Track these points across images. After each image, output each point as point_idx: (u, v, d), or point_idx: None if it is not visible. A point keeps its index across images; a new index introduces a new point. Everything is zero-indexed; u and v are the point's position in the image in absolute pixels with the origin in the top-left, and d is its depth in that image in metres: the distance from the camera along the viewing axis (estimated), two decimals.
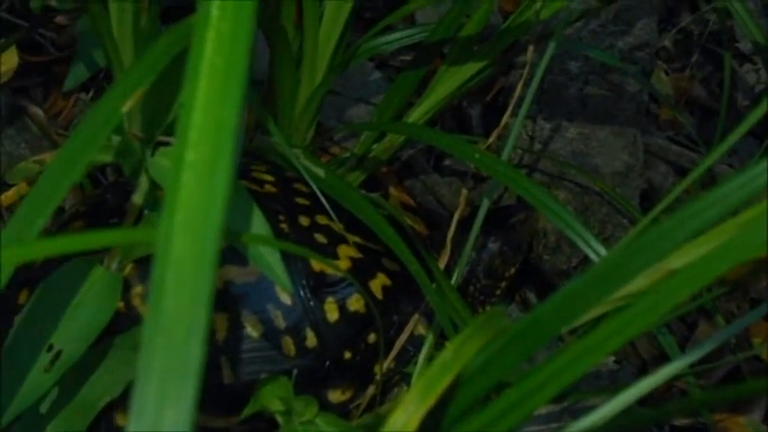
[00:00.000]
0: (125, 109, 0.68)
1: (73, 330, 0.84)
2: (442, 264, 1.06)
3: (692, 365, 1.07)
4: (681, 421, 1.17)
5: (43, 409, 0.86)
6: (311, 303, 1.01)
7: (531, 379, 0.58)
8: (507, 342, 0.61)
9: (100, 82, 1.42)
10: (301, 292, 1.01)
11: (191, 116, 0.47)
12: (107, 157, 0.90)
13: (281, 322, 1.00)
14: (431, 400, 0.59)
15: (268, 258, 0.85)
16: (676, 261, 0.65)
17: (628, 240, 0.61)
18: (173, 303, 0.43)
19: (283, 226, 1.03)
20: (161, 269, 0.44)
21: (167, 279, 0.44)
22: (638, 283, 0.66)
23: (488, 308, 1.17)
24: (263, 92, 1.18)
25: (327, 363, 1.02)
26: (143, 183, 0.89)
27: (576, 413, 0.99)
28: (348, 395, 1.04)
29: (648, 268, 0.65)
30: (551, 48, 1.02)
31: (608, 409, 0.61)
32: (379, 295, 1.05)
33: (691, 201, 0.61)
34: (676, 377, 0.99)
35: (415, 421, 0.58)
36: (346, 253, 1.05)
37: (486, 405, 0.60)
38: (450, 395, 0.62)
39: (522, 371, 0.60)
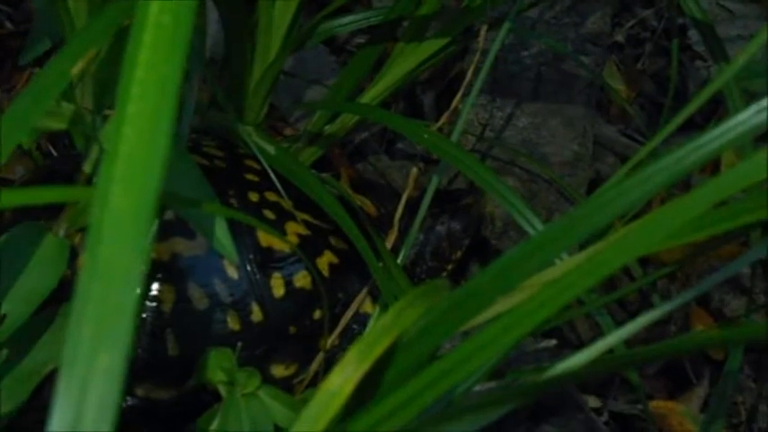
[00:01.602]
0: (75, 71, 0.69)
1: (19, 295, 0.84)
2: (389, 244, 1.07)
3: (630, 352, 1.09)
4: (620, 407, 1.19)
5: None
6: (257, 278, 1.02)
7: (467, 345, 0.59)
8: (445, 309, 0.62)
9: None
10: (248, 267, 1.02)
11: (133, 71, 0.48)
12: (59, 124, 0.90)
13: (226, 296, 1.01)
14: (368, 363, 0.60)
15: (216, 230, 0.86)
16: (611, 239, 0.66)
17: (565, 215, 0.62)
18: (109, 251, 0.44)
19: (232, 201, 1.04)
20: (99, 218, 0.45)
21: (104, 228, 0.44)
22: (574, 262, 0.68)
23: None
24: (217, 69, 1.18)
25: (272, 338, 1.03)
26: (93, 152, 0.90)
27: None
28: (292, 370, 1.04)
29: (583, 245, 0.67)
30: (503, 31, 1.04)
31: (544, 378, 0.63)
32: (325, 272, 1.06)
33: (623, 179, 0.62)
34: (617, 362, 1.01)
35: (352, 383, 0.59)
36: (294, 230, 1.06)
37: (423, 370, 0.61)
38: (388, 360, 0.63)
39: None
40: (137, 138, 0.47)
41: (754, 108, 0.61)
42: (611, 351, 0.65)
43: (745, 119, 0.61)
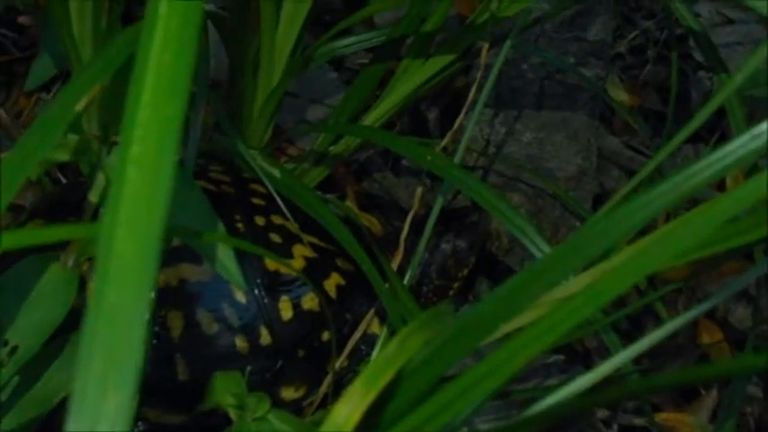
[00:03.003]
0: (81, 106, 0.69)
1: (29, 326, 0.85)
2: (395, 264, 1.08)
3: (640, 365, 1.10)
4: (629, 420, 1.19)
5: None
6: (265, 302, 1.03)
7: (474, 371, 0.60)
8: (450, 337, 0.62)
9: (62, 82, 1.43)
10: (256, 291, 1.02)
11: (137, 112, 0.48)
12: (65, 156, 0.91)
13: (235, 320, 1.01)
14: (374, 393, 0.60)
15: (222, 257, 0.87)
16: (619, 260, 0.66)
17: (571, 238, 0.63)
18: (115, 294, 0.45)
19: (239, 225, 1.05)
20: (104, 262, 0.45)
21: (110, 270, 0.45)
22: (582, 282, 0.68)
23: None
24: (221, 93, 1.19)
25: (281, 361, 1.03)
26: (99, 181, 0.90)
27: (522, 406, 1.00)
28: (301, 392, 1.05)
29: (591, 269, 0.67)
30: (506, 49, 1.04)
31: (551, 400, 0.63)
32: (332, 294, 1.07)
33: (632, 198, 0.62)
34: (625, 376, 1.01)
35: (358, 413, 0.60)
36: (301, 252, 1.07)
37: (430, 397, 0.62)
38: (393, 389, 0.64)
39: (466, 365, 0.61)
40: (140, 180, 0.47)
41: (764, 126, 0.61)
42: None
43: (756, 135, 0.61)
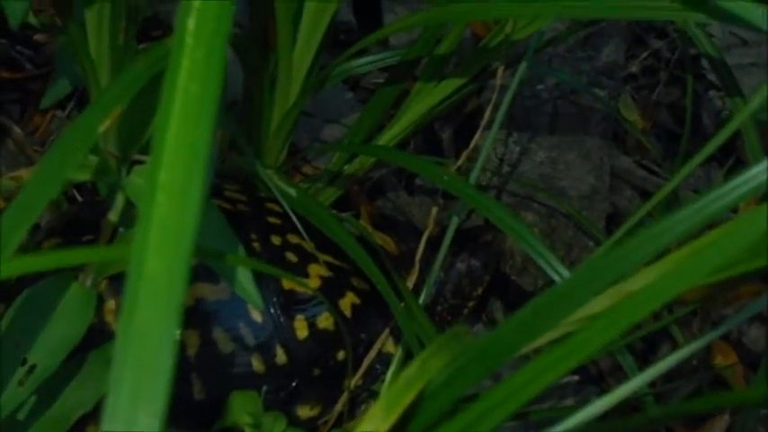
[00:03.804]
0: (102, 128, 0.70)
1: (47, 345, 0.85)
2: (410, 283, 1.08)
3: (654, 387, 1.10)
4: None
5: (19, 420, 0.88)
6: (281, 321, 1.03)
7: (494, 394, 0.60)
8: (470, 358, 0.63)
9: (76, 100, 1.44)
10: (272, 310, 1.03)
11: (164, 139, 0.49)
12: (84, 176, 0.91)
13: (251, 339, 1.02)
14: (395, 415, 0.61)
15: (240, 277, 0.87)
16: (636, 283, 0.67)
17: (589, 262, 0.63)
18: (145, 316, 0.45)
19: (255, 245, 1.05)
20: (134, 284, 0.46)
21: (140, 293, 0.46)
22: (601, 303, 0.68)
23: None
24: (236, 112, 1.20)
25: (296, 379, 1.04)
26: (119, 201, 0.91)
27: (537, 427, 1.01)
28: (316, 411, 1.05)
29: (609, 289, 0.67)
30: (521, 71, 1.05)
31: (568, 424, 0.63)
32: (348, 313, 1.07)
33: (650, 224, 0.63)
34: (638, 398, 1.01)
35: None
36: (316, 272, 1.07)
37: (450, 419, 0.62)
38: (414, 410, 0.64)
39: (488, 387, 0.62)
40: (169, 204, 0.48)
41: None
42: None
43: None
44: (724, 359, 1.26)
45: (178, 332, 0.46)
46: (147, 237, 0.47)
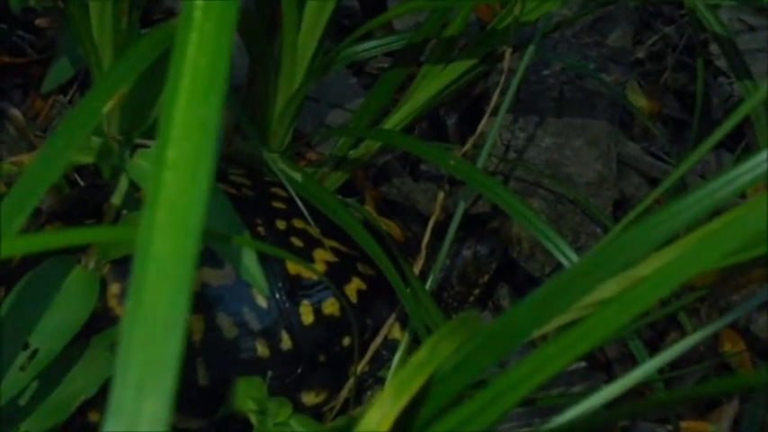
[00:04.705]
0: (105, 111, 0.69)
1: (50, 329, 0.84)
2: (416, 269, 1.07)
3: (661, 374, 1.09)
4: (649, 428, 1.18)
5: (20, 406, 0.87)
6: (287, 306, 1.02)
7: (503, 380, 0.59)
8: (480, 344, 0.62)
9: (78, 84, 1.42)
10: (277, 295, 1.02)
11: (173, 115, 0.48)
12: (87, 159, 0.90)
13: (256, 325, 1.01)
14: (405, 399, 0.60)
15: (245, 260, 0.86)
16: (645, 268, 0.66)
17: (599, 247, 0.62)
18: (152, 298, 0.44)
19: (260, 229, 1.04)
20: (141, 265, 0.45)
21: (147, 274, 0.45)
22: (610, 289, 0.68)
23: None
24: (241, 97, 1.19)
25: (302, 365, 1.03)
26: (122, 183, 0.90)
27: (545, 414, 1.00)
28: (322, 397, 1.04)
29: (618, 274, 0.66)
30: (529, 54, 1.04)
31: (576, 410, 0.62)
32: (353, 299, 1.06)
33: (658, 210, 0.62)
34: (646, 383, 1.01)
35: (389, 420, 0.59)
36: (322, 257, 1.06)
37: (459, 405, 0.61)
38: (423, 395, 0.63)
39: (494, 373, 0.61)
40: (177, 183, 0.47)
41: None
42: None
43: None
44: (731, 346, 1.26)
45: (186, 315, 0.45)
46: (155, 216, 0.46)
